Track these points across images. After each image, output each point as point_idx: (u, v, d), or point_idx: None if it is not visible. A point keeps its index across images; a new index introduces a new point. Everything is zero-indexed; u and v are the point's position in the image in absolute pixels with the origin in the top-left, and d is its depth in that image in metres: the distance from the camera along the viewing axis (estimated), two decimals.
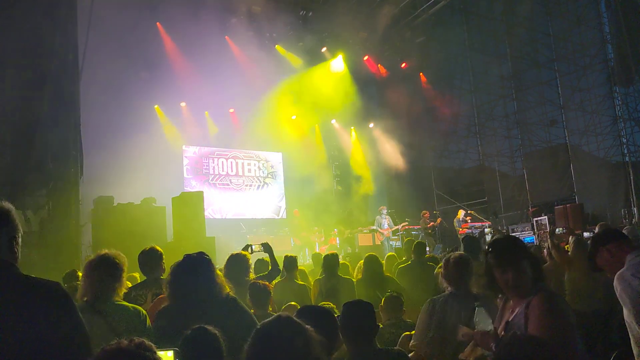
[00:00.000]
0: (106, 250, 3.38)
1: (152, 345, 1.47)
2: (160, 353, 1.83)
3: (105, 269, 3.25)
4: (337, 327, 2.79)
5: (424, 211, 16.48)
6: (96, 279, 3.21)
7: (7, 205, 2.17)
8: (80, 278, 5.45)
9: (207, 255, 3.44)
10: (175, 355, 1.94)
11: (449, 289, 3.75)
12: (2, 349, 1.90)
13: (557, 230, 11.41)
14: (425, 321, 3.68)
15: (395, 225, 15.79)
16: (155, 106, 15.97)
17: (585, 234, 7.60)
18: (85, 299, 3.16)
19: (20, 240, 2.19)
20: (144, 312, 3.34)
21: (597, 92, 17.87)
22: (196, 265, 3.33)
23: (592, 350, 4.47)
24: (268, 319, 2.18)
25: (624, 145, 17.50)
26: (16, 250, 2.15)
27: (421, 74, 20.42)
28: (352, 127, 20.51)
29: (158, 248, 4.74)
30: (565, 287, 5.82)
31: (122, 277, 3.31)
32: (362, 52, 19.47)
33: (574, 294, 5.61)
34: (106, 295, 3.20)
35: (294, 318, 2.21)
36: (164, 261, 4.69)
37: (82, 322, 2.18)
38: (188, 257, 3.38)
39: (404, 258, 7.87)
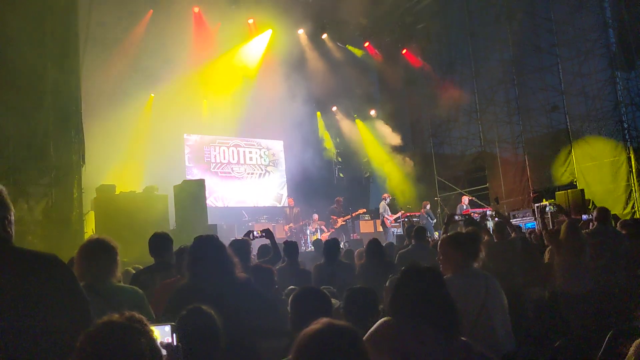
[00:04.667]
0: (96, 236, 3.40)
1: (143, 317, 1.51)
2: (157, 327, 1.87)
3: (101, 252, 3.26)
4: (331, 309, 2.84)
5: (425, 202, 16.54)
6: (92, 262, 3.21)
7: None
8: None
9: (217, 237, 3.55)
10: (172, 329, 1.97)
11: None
12: (3, 320, 1.95)
13: (547, 208, 11.27)
14: None
15: (393, 213, 15.80)
16: (151, 95, 15.94)
17: (584, 217, 7.63)
18: (82, 283, 3.18)
19: (12, 218, 2.23)
20: (141, 292, 3.38)
21: (598, 77, 17.79)
22: (212, 245, 3.44)
23: (586, 332, 4.51)
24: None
25: (626, 131, 17.45)
26: (9, 229, 2.18)
27: (422, 60, 20.36)
28: (354, 114, 20.49)
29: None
30: (555, 270, 5.85)
31: (117, 260, 3.31)
32: (363, 38, 19.42)
33: (564, 276, 5.65)
34: (104, 277, 3.21)
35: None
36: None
37: (82, 290, 2.22)
38: (202, 238, 3.46)
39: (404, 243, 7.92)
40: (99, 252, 3.26)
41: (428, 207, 16.24)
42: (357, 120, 20.49)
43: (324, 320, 1.75)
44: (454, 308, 2.49)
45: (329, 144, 20.45)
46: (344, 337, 1.73)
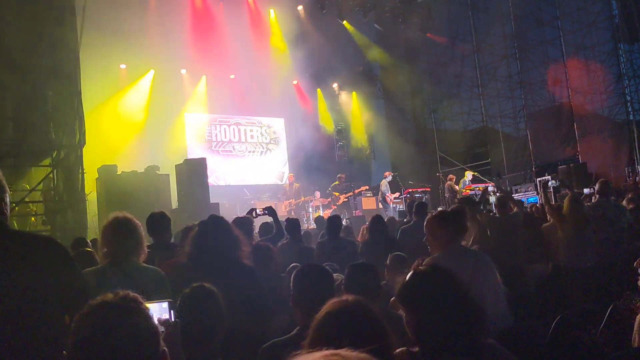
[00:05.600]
0: (120, 213, 3.32)
1: (138, 296, 1.50)
2: (155, 304, 1.87)
3: (128, 231, 3.22)
4: (333, 286, 2.84)
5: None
6: (120, 240, 3.17)
7: None
8: (89, 245, 5.56)
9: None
10: (170, 306, 1.98)
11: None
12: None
13: (549, 183, 11.10)
14: None
15: (393, 193, 15.76)
16: (152, 70, 15.85)
17: (586, 190, 7.62)
18: (107, 260, 3.16)
19: (7, 199, 2.22)
20: (163, 272, 3.36)
21: (601, 49, 17.66)
22: (222, 225, 3.46)
23: (588, 306, 4.51)
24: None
25: (629, 103, 17.37)
26: (5, 210, 2.18)
27: (423, 34, 20.16)
28: (354, 91, 20.37)
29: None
30: (559, 245, 5.86)
31: (143, 239, 3.29)
32: (363, 13, 19.22)
33: (567, 251, 5.65)
34: (130, 256, 3.18)
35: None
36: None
37: (79, 271, 2.22)
38: (206, 222, 3.48)
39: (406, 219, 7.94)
40: (126, 230, 3.21)
41: (454, 180, 16.17)
42: (358, 97, 20.38)
43: (339, 300, 1.78)
44: (480, 313, 2.11)
45: (327, 120, 20.33)
46: (357, 311, 1.76)
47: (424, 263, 2.78)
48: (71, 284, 2.13)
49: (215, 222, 3.53)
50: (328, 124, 20.46)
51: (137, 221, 3.33)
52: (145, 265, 3.33)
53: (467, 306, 2.09)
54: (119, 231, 3.21)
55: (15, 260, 2.04)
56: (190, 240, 3.50)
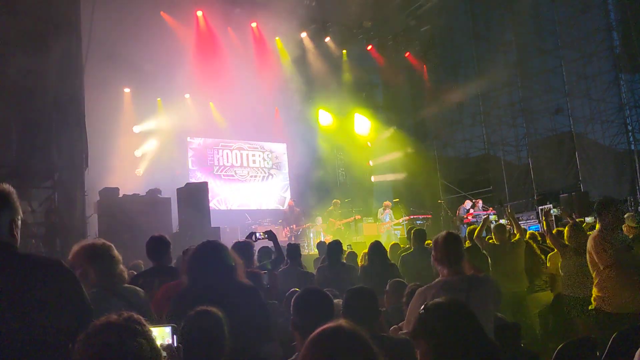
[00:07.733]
0: (92, 240, 3.34)
1: (141, 318, 1.49)
2: (159, 328, 1.86)
3: (111, 257, 3.22)
4: (333, 311, 2.81)
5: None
6: (105, 266, 3.18)
7: (8, 187, 2.20)
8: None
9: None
10: (173, 331, 1.96)
11: (442, 273, 3.52)
12: (7, 324, 1.94)
13: (552, 211, 11.07)
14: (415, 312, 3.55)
15: (397, 219, 15.81)
16: (158, 99, 16.00)
17: (587, 219, 7.57)
18: (94, 289, 3.13)
19: (19, 222, 2.22)
20: (144, 292, 3.37)
21: (602, 79, 17.73)
22: (216, 250, 3.39)
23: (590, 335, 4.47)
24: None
25: (630, 133, 17.39)
26: (16, 233, 2.18)
27: (425, 63, 20.35)
28: (356, 117, 20.45)
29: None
30: (561, 273, 5.81)
31: (121, 260, 3.30)
32: (366, 41, 19.43)
33: (569, 279, 5.60)
34: (117, 279, 3.20)
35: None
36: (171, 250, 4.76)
37: (86, 295, 2.21)
38: (202, 245, 3.45)
39: (407, 246, 7.92)
40: (107, 255, 3.21)
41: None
42: (360, 122, 20.45)
43: (332, 323, 1.76)
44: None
45: (329, 146, 20.33)
46: (354, 339, 1.74)
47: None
48: (77, 309, 2.12)
49: (214, 245, 3.49)
50: (330, 150, 20.50)
51: (110, 244, 3.32)
52: (129, 286, 3.35)
53: (486, 338, 2.10)
54: (103, 258, 3.18)
55: (23, 283, 2.03)
56: (187, 263, 3.47)
